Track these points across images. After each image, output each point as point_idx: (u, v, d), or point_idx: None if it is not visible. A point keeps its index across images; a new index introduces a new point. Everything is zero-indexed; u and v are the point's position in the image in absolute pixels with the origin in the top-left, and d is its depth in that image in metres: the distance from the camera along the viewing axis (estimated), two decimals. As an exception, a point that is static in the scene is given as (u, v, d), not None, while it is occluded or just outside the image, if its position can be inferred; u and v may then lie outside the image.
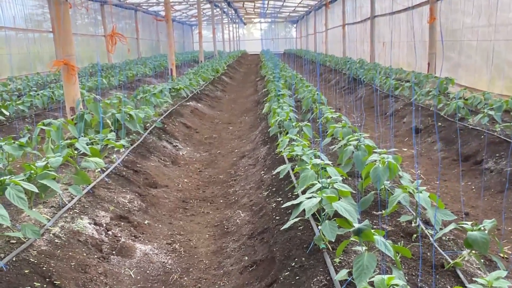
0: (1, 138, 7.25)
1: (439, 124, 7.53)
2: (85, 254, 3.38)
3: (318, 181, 3.45)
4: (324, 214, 3.15)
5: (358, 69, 14.58)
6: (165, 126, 7.84)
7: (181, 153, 7.14)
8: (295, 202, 3.09)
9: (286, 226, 3.16)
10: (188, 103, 10.43)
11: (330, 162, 3.92)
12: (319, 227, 3.16)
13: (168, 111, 8.88)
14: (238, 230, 4.26)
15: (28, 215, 3.64)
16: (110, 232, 3.88)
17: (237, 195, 5.27)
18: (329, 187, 3.33)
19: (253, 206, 4.65)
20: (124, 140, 5.36)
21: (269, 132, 7.14)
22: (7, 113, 8.17)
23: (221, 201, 5.23)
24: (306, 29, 43.18)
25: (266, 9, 40.03)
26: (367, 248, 2.55)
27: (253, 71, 24.16)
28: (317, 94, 7.92)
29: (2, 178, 3.13)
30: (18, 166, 5.57)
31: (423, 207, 3.30)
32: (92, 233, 3.70)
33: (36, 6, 19.58)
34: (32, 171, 3.49)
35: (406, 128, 8.31)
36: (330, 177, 3.57)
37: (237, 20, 47.58)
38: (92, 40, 24.27)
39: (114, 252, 3.66)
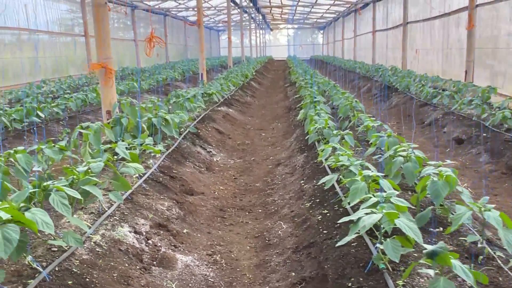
0: (37, 140, 7.24)
1: (484, 135, 7.19)
2: (126, 265, 3.24)
3: (373, 195, 3.23)
4: (382, 231, 2.94)
5: (391, 76, 14.24)
6: (198, 131, 7.73)
7: (215, 159, 7.01)
8: (352, 217, 2.88)
9: (342, 243, 2.95)
10: (219, 108, 10.32)
11: (381, 174, 3.69)
12: (376, 244, 2.95)
13: (201, 116, 8.78)
14: (281, 243, 4.06)
15: (68, 221, 3.54)
16: (150, 241, 3.74)
17: (277, 204, 5.08)
18: (385, 202, 3.12)
19: (295, 218, 4.45)
20: (161, 145, 5.25)
21: (306, 140, 6.95)
22: (43, 115, 8.21)
23: (260, 210, 5.05)
24: (334, 35, 42.84)
25: (293, 15, 39.92)
26: (438, 271, 2.33)
27: (281, 77, 24.00)
28: (355, 101, 7.69)
29: (46, 184, 3.02)
30: (54, 169, 5.52)
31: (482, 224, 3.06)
32: (133, 242, 3.57)
33: (68, 11, 19.94)
34: (74, 176, 3.38)
35: (447, 138, 7.98)
36: (382, 190, 3.35)
37: (263, 26, 47.62)
38: (122, 44, 24.56)
39: (155, 262, 3.51)
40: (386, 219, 2.85)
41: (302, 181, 5.35)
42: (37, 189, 2.92)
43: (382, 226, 2.91)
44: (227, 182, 6.11)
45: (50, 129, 8.38)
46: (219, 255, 3.93)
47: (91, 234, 3.40)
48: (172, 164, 5.76)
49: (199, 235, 4.30)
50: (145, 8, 26.89)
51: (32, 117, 7.86)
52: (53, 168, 5.56)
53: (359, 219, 2.81)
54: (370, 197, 3.20)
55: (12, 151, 3.84)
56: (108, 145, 4.22)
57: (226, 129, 9.01)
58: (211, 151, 7.27)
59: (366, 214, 2.84)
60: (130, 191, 4.30)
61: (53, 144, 4.13)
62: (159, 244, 3.77)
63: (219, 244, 4.19)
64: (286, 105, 12.47)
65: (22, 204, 2.75)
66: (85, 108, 10.39)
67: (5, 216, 2.31)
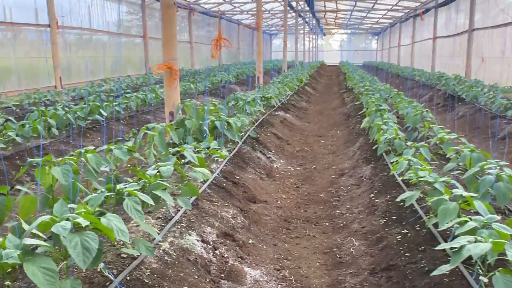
0: (99, 138, 7.30)
1: None
2: (196, 277, 3.07)
3: (470, 218, 2.89)
4: (486, 262, 2.59)
5: (455, 85, 13.50)
6: (258, 136, 7.54)
7: (275, 166, 6.79)
8: (454, 245, 2.55)
9: (438, 272, 2.62)
10: (277, 113, 10.11)
11: (474, 194, 3.32)
12: (480, 277, 2.60)
13: (259, 121, 8.60)
14: (354, 262, 3.77)
15: (136, 226, 3.43)
16: (217, 252, 3.56)
17: (345, 218, 4.78)
18: (484, 227, 2.77)
19: (367, 235, 4.14)
20: (225, 150, 5.09)
21: (372, 150, 6.60)
22: (105, 114, 8.32)
23: (327, 223, 4.77)
24: (389, 41, 41.66)
25: (348, 20, 39.21)
26: None
27: (335, 82, 23.53)
28: (426, 110, 7.24)
29: (119, 188, 2.91)
30: (119, 170, 5.50)
31: None
32: (201, 252, 3.40)
33: (127, 12, 20.49)
34: (145, 180, 3.26)
35: (526, 154, 7.35)
36: (472, 212, 3.00)
37: (317, 31, 47.12)
38: (177, 46, 24.96)
39: (223, 275, 3.32)
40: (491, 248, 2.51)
41: (372, 195, 5.02)
42: (111, 193, 2.80)
43: (486, 256, 2.56)
44: (288, 191, 5.87)
45: (110, 127, 8.48)
46: (287, 271, 3.69)
47: (159, 241, 3.26)
48: (234, 170, 5.60)
49: (264, 246, 4.09)
50: (201, 11, 27.23)
51: (95, 115, 7.97)
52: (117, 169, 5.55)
53: (462, 247, 2.49)
54: (467, 221, 2.86)
55: (83, 151, 3.79)
56: (176, 149, 4.10)
57: (285, 135, 8.78)
58: (270, 157, 7.06)
59: (469, 242, 2.51)
60: (196, 196, 4.15)
61: (121, 145, 4.06)
62: (226, 255, 3.58)
63: (287, 259, 3.95)
64: (344, 112, 12.08)
65: (97, 209, 2.64)
66: (144, 107, 10.50)
67: (84, 222, 2.18)
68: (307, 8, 27.32)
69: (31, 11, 13.60)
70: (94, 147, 3.85)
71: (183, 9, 25.25)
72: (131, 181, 3.99)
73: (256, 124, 8.20)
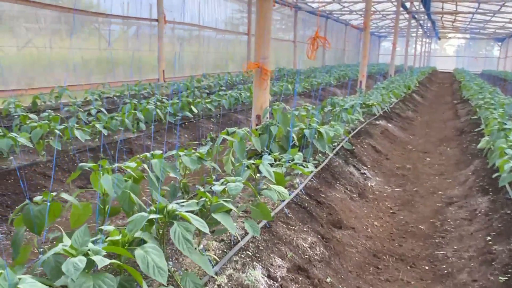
0: (185, 136, 7.06)
1: None
2: (252, 327, 2.50)
3: None
4: None
5: None
6: (353, 147, 6.76)
7: (369, 184, 5.97)
8: None
9: None
10: (377, 122, 9.17)
11: None
12: None
13: (356, 130, 7.79)
14: (460, 330, 2.92)
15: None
16: (285, 292, 2.96)
17: (450, 264, 3.88)
18: None
19: (481, 294, 3.23)
20: (311, 164, 4.45)
21: (490, 177, 5.49)
22: (196, 111, 8.12)
23: (426, 267, 3.90)
24: (516, 48, 37.32)
25: (468, 23, 35.84)
26: None
27: (447, 91, 21.46)
28: None
29: (171, 208, 2.43)
30: (191, 177, 5.14)
31: None
32: (264, 292, 2.82)
33: (236, 10, 20.62)
34: (206, 199, 2.76)
35: None
36: None
37: (431, 34, 43.95)
38: (281, 45, 24.67)
39: (288, 325, 2.71)
40: None
41: (489, 237, 4.03)
42: (158, 215, 2.34)
43: None
44: (382, 217, 5.05)
45: (200, 125, 8.27)
46: (370, 327, 2.97)
47: (216, 273, 2.74)
48: (320, 186, 4.93)
49: (345, 288, 3.39)
50: (309, 10, 26.65)
51: (186, 112, 7.80)
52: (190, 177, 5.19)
53: None
54: None
55: (149, 154, 3.42)
56: (252, 161, 3.56)
57: (384, 148, 7.85)
58: (365, 173, 6.25)
59: None
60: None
61: (193, 151, 3.62)
62: (296, 298, 2.96)
63: (371, 309, 3.21)
64: (456, 126, 10.68)
65: (137, 234, 2.18)
66: (237, 106, 10.21)
67: (102, 262, 1.71)
68: (422, 10, 25.34)
69: (145, 6, 14.10)
70: (162, 151, 3.47)
71: (289, 7, 24.91)
72: (201, 189, 3.55)
73: (352, 134, 7.41)
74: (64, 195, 2.49)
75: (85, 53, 11.78)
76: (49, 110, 6.09)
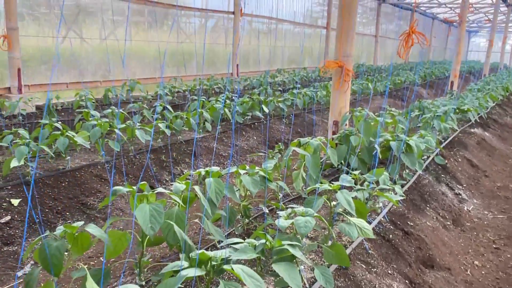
0: (254, 138, 6.46)
1: None
2: None
3: None
4: None
5: None
6: (446, 162, 5.81)
7: (465, 208, 5.03)
8: None
9: None
10: (472, 130, 8.01)
11: None
12: None
13: (449, 139, 6.78)
14: None
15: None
16: None
17: None
18: None
19: None
20: (398, 186, 3.67)
21: None
22: (267, 110, 7.54)
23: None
24: None
25: None
26: None
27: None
28: None
29: (218, 257, 1.85)
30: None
31: None
32: None
33: (316, 3, 19.74)
34: (266, 242, 2.15)
35: None
36: None
37: (530, 29, 39.76)
38: (361, 39, 23.38)
39: None
40: None
41: None
42: (198, 270, 1.75)
43: None
44: (484, 253, 4.14)
45: (271, 125, 7.68)
46: None
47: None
48: (407, 211, 4.13)
49: None
50: (393, 3, 25.05)
51: (256, 112, 7.24)
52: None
53: None
54: None
55: (203, 171, 2.87)
56: (327, 186, 2.88)
57: (481, 162, 6.75)
58: (460, 194, 5.30)
59: None
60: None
61: (256, 170, 3.01)
62: None
63: None
64: None
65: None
66: (312, 106, 9.50)
67: None
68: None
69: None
70: (220, 167, 2.91)
71: (373, 0, 23.53)
72: (265, 212, 2.96)
73: (444, 144, 6.43)
74: (91, 229, 2.00)
75: (162, 46, 11.67)
76: (112, 107, 5.80)
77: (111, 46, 10.26)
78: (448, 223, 4.52)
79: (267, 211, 3.43)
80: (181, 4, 12.39)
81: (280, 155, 3.99)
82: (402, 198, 3.54)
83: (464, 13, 10.30)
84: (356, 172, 3.58)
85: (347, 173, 3.69)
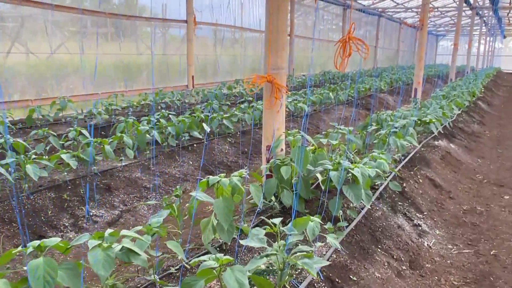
0: (190, 162, 5.60)
1: None
2: None
3: None
4: None
5: None
6: (403, 185, 5.07)
7: (425, 243, 4.27)
8: None
9: None
10: (436, 143, 7.34)
11: None
12: None
13: (409, 156, 6.06)
14: None
15: None
16: None
17: None
18: None
19: None
20: (332, 236, 2.85)
21: None
22: (208, 129, 6.67)
23: None
24: None
25: (540, 19, 32.24)
26: None
27: (518, 97, 18.82)
28: None
29: None
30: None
31: None
32: None
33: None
34: None
35: None
36: None
37: (495, 32, 40.28)
38: (329, 46, 22.85)
39: None
40: None
41: None
42: None
43: None
44: (446, 307, 3.37)
45: (213, 146, 6.83)
46: None
47: None
48: (351, 260, 3.32)
49: None
50: (359, 8, 24.68)
51: (193, 132, 6.39)
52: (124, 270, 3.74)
53: None
54: None
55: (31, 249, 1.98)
56: (211, 262, 2.04)
57: (446, 181, 6.05)
58: (419, 225, 4.55)
59: None
60: None
61: (127, 235, 2.15)
62: None
63: None
64: (538, 146, 8.59)
65: None
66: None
67: None
68: (488, 5, 22.67)
69: (183, 8, 12.89)
70: (61, 239, 2.02)
71: (337, 6, 23.06)
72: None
73: (403, 163, 5.70)
74: None
75: (106, 58, 10.71)
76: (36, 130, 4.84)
77: (58, 61, 9.33)
78: (404, 267, 3.74)
79: None
80: (135, 14, 11.48)
81: (180, 201, 3.12)
82: (335, 245, 2.73)
83: (425, 17, 9.72)
84: (277, 221, 2.75)
85: (265, 223, 2.85)
